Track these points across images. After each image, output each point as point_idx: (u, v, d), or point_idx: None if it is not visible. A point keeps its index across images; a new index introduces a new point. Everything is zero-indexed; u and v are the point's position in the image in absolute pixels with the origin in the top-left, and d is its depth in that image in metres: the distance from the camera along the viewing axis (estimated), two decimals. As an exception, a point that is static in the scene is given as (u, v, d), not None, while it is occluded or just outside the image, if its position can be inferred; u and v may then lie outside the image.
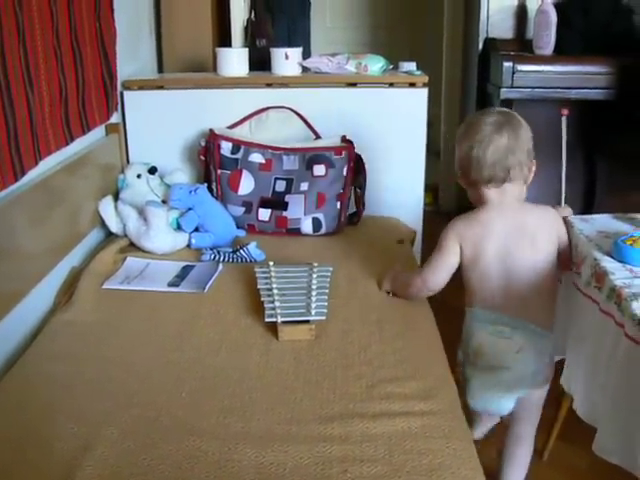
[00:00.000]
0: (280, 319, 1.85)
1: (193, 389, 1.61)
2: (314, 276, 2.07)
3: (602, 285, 1.74)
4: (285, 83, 2.87)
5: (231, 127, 2.76)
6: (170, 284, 2.19)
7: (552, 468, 2.27)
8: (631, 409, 1.56)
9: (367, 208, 2.76)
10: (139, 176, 2.62)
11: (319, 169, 2.60)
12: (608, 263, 1.78)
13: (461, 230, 1.89)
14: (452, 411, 1.54)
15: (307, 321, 1.86)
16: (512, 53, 3.72)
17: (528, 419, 1.99)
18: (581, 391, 1.84)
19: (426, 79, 2.84)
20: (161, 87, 2.89)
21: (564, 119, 2.49)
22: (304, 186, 2.59)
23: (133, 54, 2.95)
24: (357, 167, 2.67)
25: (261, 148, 2.64)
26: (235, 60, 2.89)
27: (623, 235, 1.83)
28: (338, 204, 2.61)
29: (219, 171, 2.63)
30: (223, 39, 3.55)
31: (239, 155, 2.63)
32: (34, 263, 1.99)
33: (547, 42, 3.68)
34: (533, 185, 2.38)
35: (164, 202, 2.56)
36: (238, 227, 2.60)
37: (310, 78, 2.90)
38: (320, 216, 2.59)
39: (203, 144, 2.69)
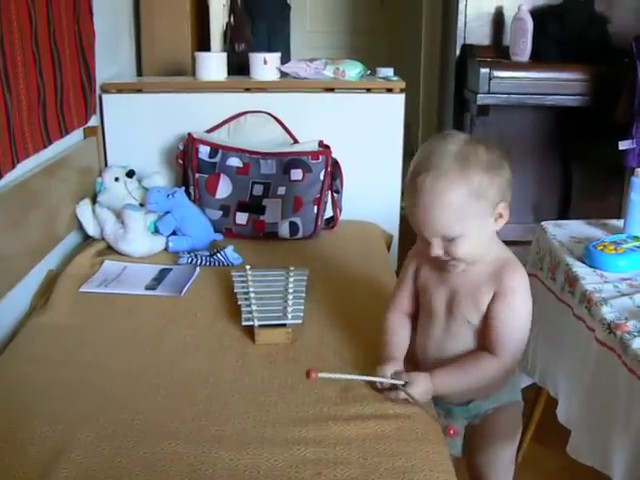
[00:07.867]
0: (257, 322, 1.86)
1: (169, 392, 1.62)
2: (291, 280, 2.08)
3: (574, 290, 1.77)
4: (263, 88, 2.88)
5: (209, 131, 2.76)
6: (147, 287, 2.19)
7: (526, 471, 2.28)
8: (603, 411, 1.59)
9: (344, 212, 2.77)
10: (117, 179, 2.61)
11: (296, 173, 2.61)
12: (580, 268, 1.81)
13: None
14: (425, 414, 1.56)
15: (284, 325, 1.86)
16: (489, 59, 3.76)
17: None
18: (562, 397, 1.87)
19: (403, 85, 2.86)
20: (140, 90, 2.89)
21: None
22: (281, 190, 2.60)
23: (112, 57, 2.95)
24: (334, 172, 2.69)
25: (239, 152, 2.65)
26: (214, 64, 2.90)
27: (594, 240, 1.87)
28: (315, 208, 2.62)
29: (197, 175, 2.63)
30: (202, 43, 3.55)
31: (217, 159, 2.64)
32: (11, 266, 1.99)
33: (523, 49, 3.72)
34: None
35: (142, 205, 2.56)
36: (215, 231, 2.60)
37: (288, 83, 2.91)
38: (297, 220, 2.59)
39: (181, 148, 2.69)
